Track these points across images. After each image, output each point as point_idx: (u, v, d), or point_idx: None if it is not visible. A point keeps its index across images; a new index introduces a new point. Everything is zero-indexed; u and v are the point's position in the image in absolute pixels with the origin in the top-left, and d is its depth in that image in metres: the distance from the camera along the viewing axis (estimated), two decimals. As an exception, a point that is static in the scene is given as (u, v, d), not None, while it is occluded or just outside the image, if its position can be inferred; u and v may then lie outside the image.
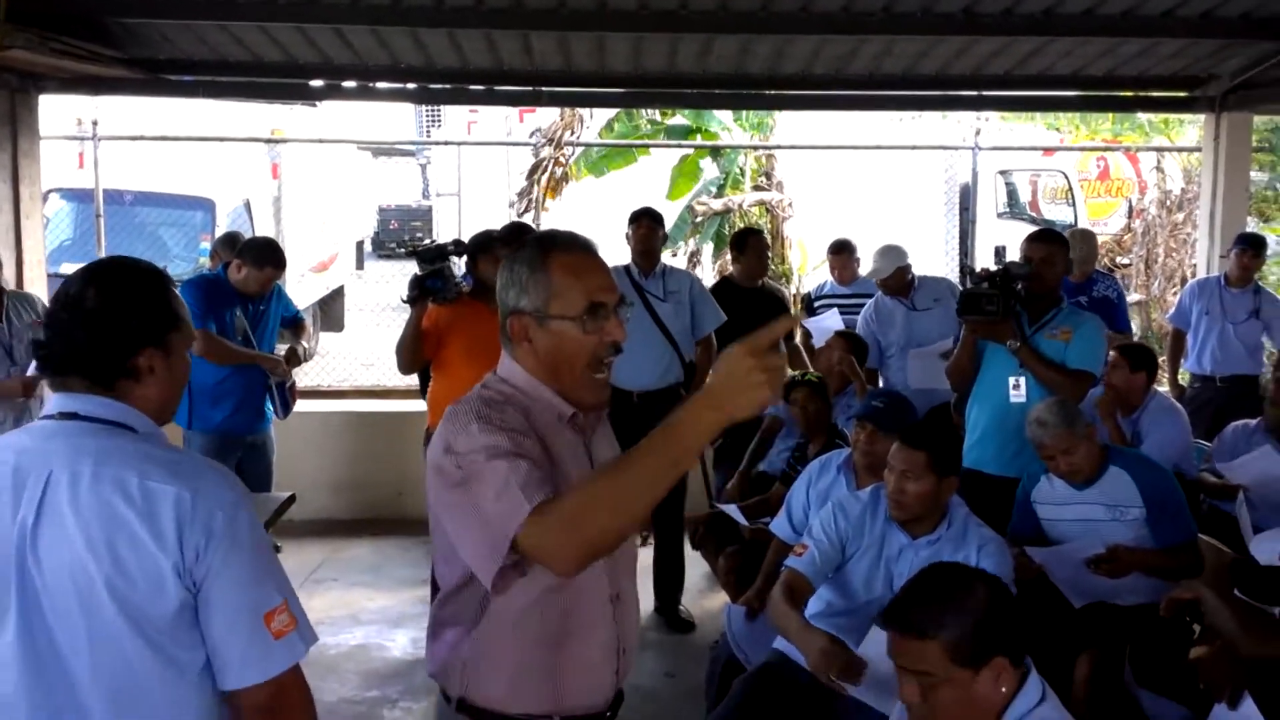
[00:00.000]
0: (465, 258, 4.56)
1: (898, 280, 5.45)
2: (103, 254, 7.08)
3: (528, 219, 8.19)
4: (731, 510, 4.31)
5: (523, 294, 1.79)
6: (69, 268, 5.31)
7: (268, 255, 4.84)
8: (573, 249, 1.82)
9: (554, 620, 1.80)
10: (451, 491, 1.73)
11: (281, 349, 5.25)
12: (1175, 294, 9.85)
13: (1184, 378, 6.37)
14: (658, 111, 9.54)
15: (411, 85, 6.45)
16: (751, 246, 5.60)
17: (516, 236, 5.09)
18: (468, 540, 1.71)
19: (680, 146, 9.94)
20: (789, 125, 10.06)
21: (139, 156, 8.22)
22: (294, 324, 5.30)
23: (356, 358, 9.19)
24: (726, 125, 9.87)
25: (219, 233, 7.89)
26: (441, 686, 1.90)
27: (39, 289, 5.87)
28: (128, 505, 1.56)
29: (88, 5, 5.12)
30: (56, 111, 7.13)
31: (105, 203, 7.11)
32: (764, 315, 5.76)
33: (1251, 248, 6.09)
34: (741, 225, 9.69)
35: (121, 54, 5.80)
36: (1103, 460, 3.57)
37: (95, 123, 6.96)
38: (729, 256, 9.65)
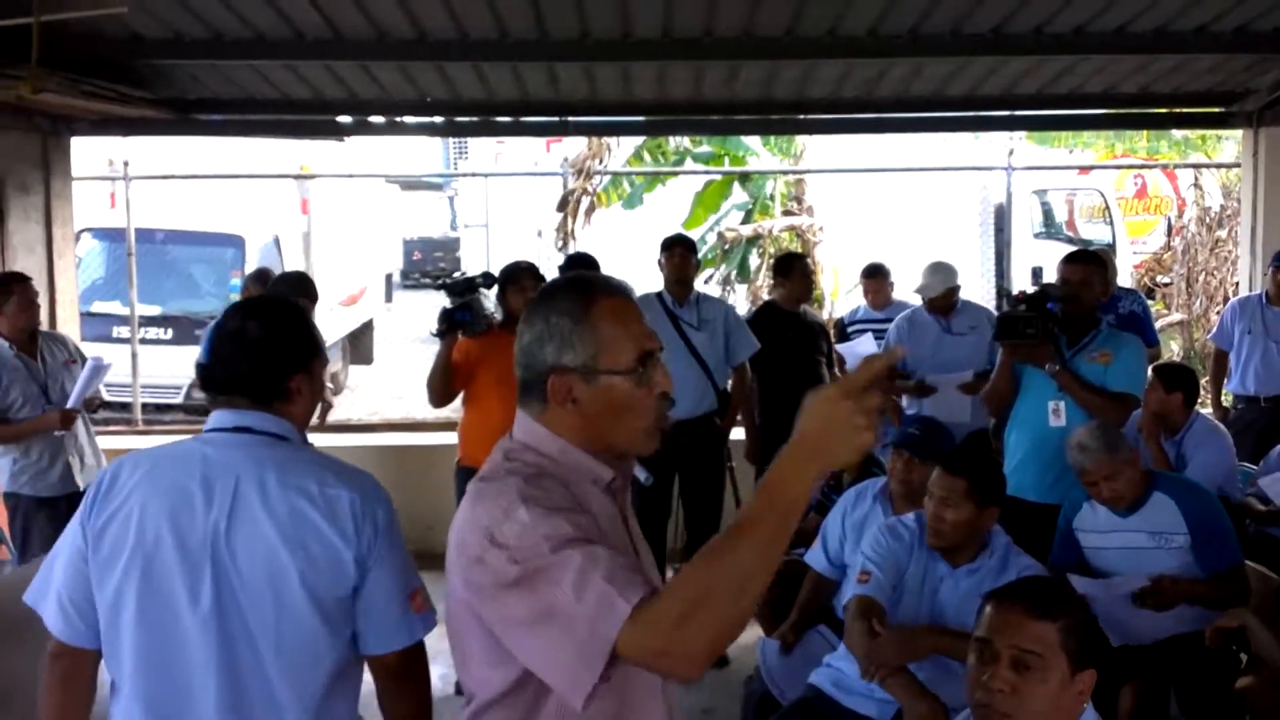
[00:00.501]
0: (495, 289, 4.53)
1: (945, 299, 5.35)
2: (134, 293, 7.16)
3: (559, 250, 8.19)
4: (764, 541, 4.21)
5: (565, 348, 1.56)
6: (101, 306, 5.39)
7: (299, 288, 4.83)
8: (615, 294, 1.61)
9: (613, 708, 1.56)
10: (507, 593, 1.44)
11: None
12: (1217, 312, 9.68)
13: (1227, 399, 6.21)
14: (687, 139, 9.55)
15: (438, 119, 6.50)
16: (797, 270, 5.56)
17: (585, 264, 5.08)
18: (542, 653, 1.44)
19: (709, 172, 9.93)
20: (818, 149, 10.02)
21: (170, 195, 8.35)
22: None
23: (386, 390, 9.21)
24: (755, 150, 9.86)
25: (249, 269, 7.95)
26: None
27: (71, 328, 5.93)
28: (313, 507, 1.88)
29: (117, 48, 5.18)
30: (89, 152, 7.24)
31: (137, 241, 7.20)
32: (803, 341, 5.67)
33: None
34: (773, 250, 9.65)
35: (151, 94, 5.88)
36: (1146, 486, 3.46)
37: (126, 163, 7.06)
38: (760, 281, 9.64)
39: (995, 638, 1.84)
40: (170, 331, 8.76)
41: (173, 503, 1.88)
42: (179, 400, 8.62)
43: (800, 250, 9.28)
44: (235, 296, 8.34)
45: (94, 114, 5.99)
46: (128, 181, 7.07)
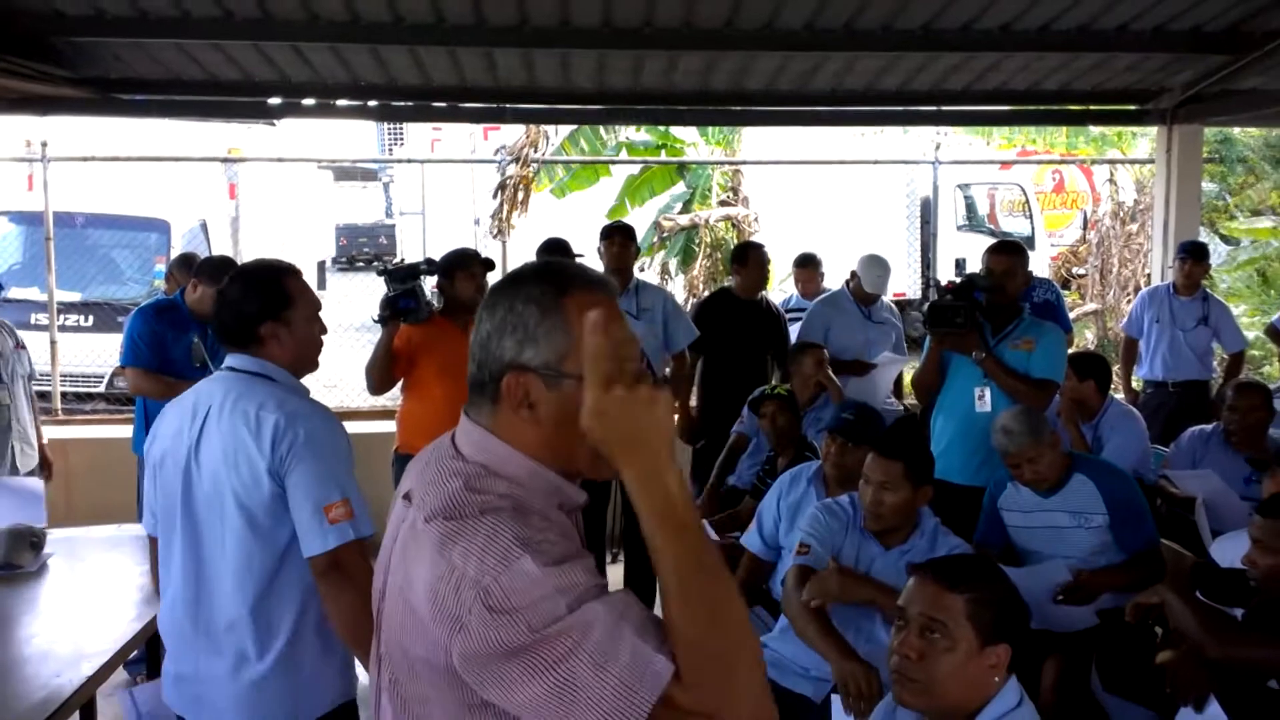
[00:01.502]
0: (436, 276, 4.49)
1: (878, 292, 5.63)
2: (53, 279, 6.95)
3: (495, 240, 8.15)
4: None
5: (528, 343, 1.32)
6: (18, 293, 5.23)
7: (224, 273, 4.71)
8: (598, 289, 1.38)
9: None
10: (510, 663, 1.22)
11: None
12: (1128, 302, 10.05)
13: (1138, 384, 6.47)
14: (624, 128, 9.56)
15: (373, 103, 6.40)
16: (752, 259, 5.63)
17: (561, 250, 5.04)
18: None
19: (645, 162, 9.96)
20: (754, 141, 10.13)
21: (91, 178, 8.09)
22: None
23: (319, 379, 9.05)
24: (693, 141, 9.91)
25: (174, 254, 7.77)
26: None
27: (-14, 313, 5.74)
28: (245, 428, 2.27)
29: (36, 24, 5.02)
30: (4, 133, 7.01)
31: (56, 225, 6.97)
32: (761, 330, 5.77)
33: (1193, 256, 6.20)
34: (709, 240, 9.73)
35: (71, 73, 5.71)
36: (1067, 468, 3.60)
37: (44, 144, 6.83)
38: (696, 271, 9.72)
39: (909, 606, 1.93)
40: (91, 319, 8.51)
41: (174, 426, 2.39)
42: (101, 389, 8.40)
43: (735, 240, 9.39)
44: (159, 283, 8.14)
45: (10, 92, 5.79)
46: (46, 163, 6.84)
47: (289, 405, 2.32)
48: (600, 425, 1.25)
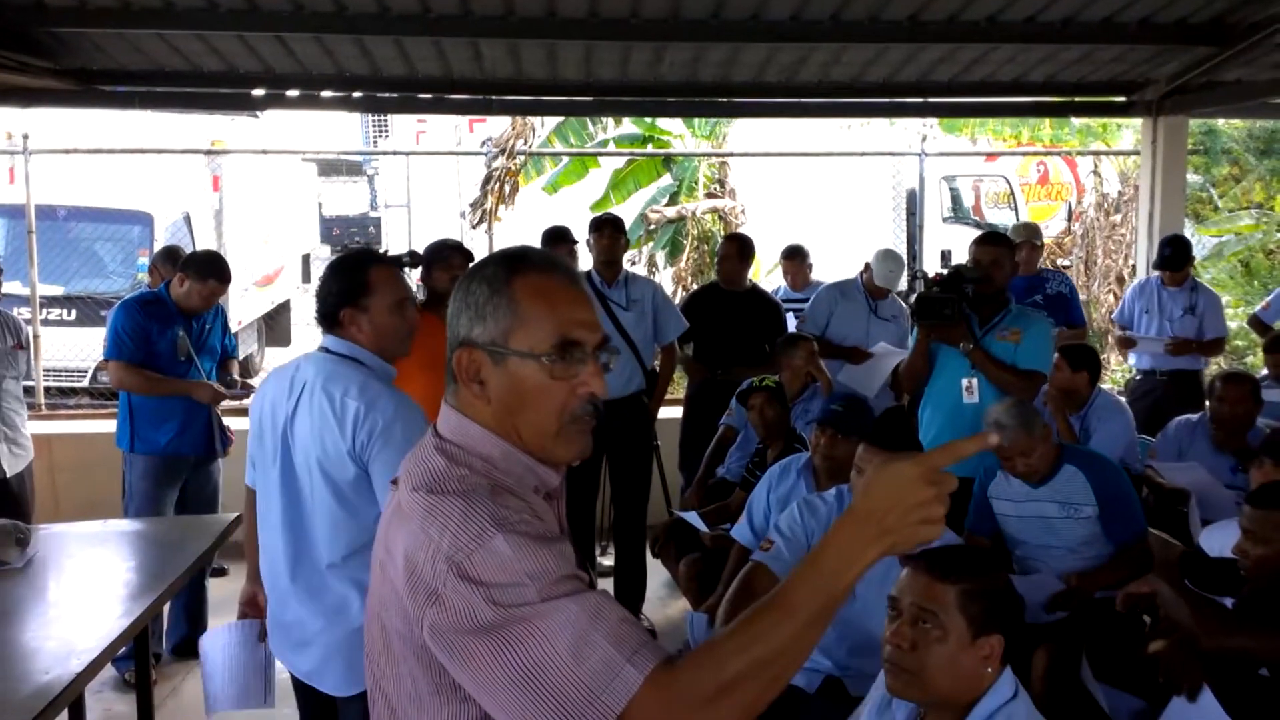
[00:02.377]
0: (419, 269, 4.45)
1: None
2: (35, 272, 6.89)
3: (481, 230, 8.12)
4: (691, 517, 4.28)
5: (477, 320, 1.37)
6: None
7: (211, 268, 4.65)
8: (549, 271, 1.40)
9: None
10: (476, 640, 1.22)
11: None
12: (1109, 292, 10.12)
13: (1127, 374, 6.51)
14: (611, 120, 9.55)
15: (358, 94, 6.36)
16: (723, 253, 5.64)
17: (561, 239, 5.14)
18: (523, 714, 1.20)
19: (632, 154, 9.94)
20: (741, 133, 10.12)
21: (73, 170, 8.02)
22: (223, 361, 4.91)
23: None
24: (679, 133, 9.90)
25: (157, 247, 7.71)
26: None
27: (-31, 308, 5.68)
28: (331, 410, 2.52)
29: (17, 14, 4.97)
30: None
31: (38, 219, 6.91)
32: (753, 320, 5.80)
33: (1169, 267, 6.14)
34: (696, 232, 9.73)
35: (53, 64, 5.65)
36: (1057, 459, 3.61)
37: (26, 136, 6.77)
38: (684, 263, 9.72)
39: (901, 596, 1.94)
40: (74, 312, 8.44)
41: (273, 396, 2.66)
42: (85, 384, 8.33)
43: (723, 232, 9.39)
44: (142, 276, 8.08)
45: (-9, 83, 5.74)
46: (27, 155, 6.78)
47: (370, 391, 2.51)
48: (887, 490, 1.19)
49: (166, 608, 4.58)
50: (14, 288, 7.15)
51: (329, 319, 2.63)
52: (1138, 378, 6.28)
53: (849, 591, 1.21)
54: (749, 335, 5.43)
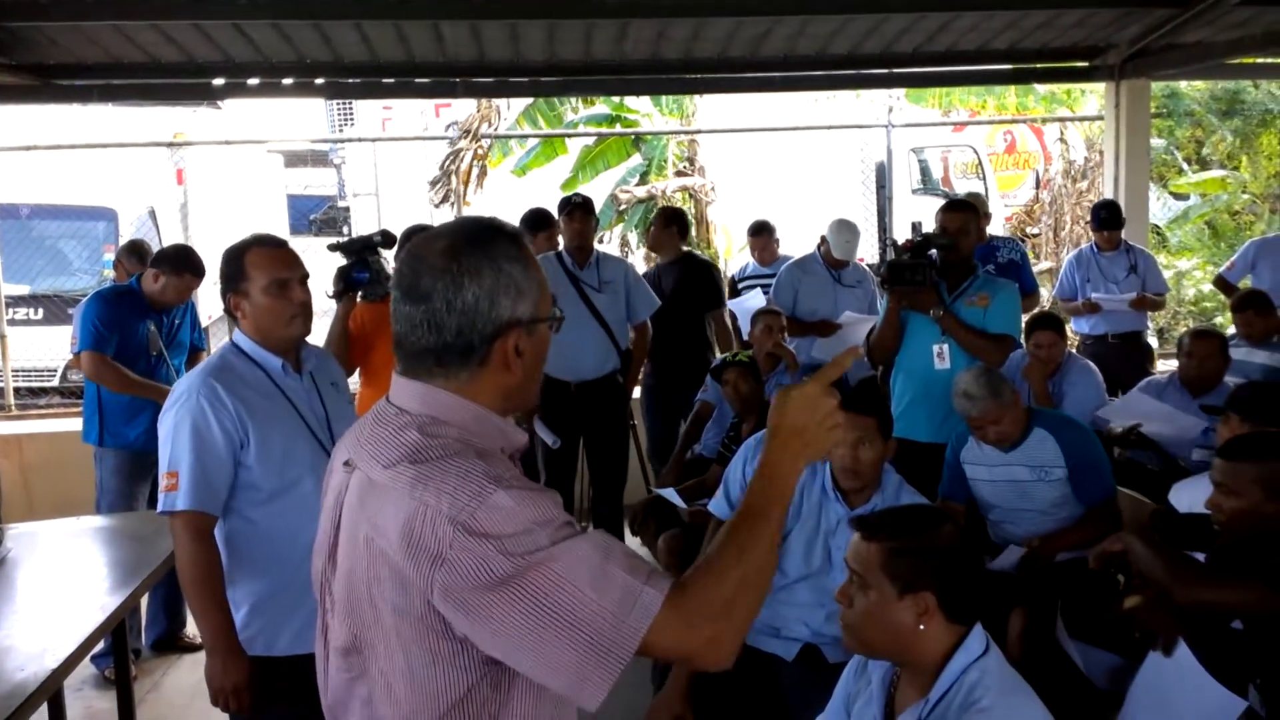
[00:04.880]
0: (395, 250, 4.37)
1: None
2: None
3: (445, 210, 8.08)
4: (669, 494, 4.29)
5: (520, 298, 1.38)
6: (-34, 287, 5.12)
7: (185, 263, 4.59)
8: (518, 236, 1.44)
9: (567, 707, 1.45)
10: (493, 594, 1.25)
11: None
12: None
13: (1075, 339, 6.58)
14: (580, 100, 9.50)
15: (319, 80, 6.30)
16: (653, 224, 5.72)
17: (543, 222, 5.14)
18: (548, 658, 1.26)
19: (600, 134, 9.90)
20: (709, 110, 10.10)
21: (34, 167, 7.91)
22: (194, 354, 4.85)
23: (274, 366, 8.91)
24: (647, 112, 9.86)
25: (122, 243, 7.62)
26: None
27: (-67, 309, 5.61)
28: None
29: (-32, 9, 4.90)
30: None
31: (0, 217, 6.82)
32: (690, 289, 5.76)
33: (1106, 226, 6.26)
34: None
35: (7, 59, 5.56)
36: (1027, 423, 3.64)
37: (-16, 134, 6.66)
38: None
39: (846, 556, 2.02)
40: (41, 311, 8.33)
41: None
42: (55, 383, 8.24)
43: (694, 210, 9.39)
44: (108, 273, 7.98)
45: (-56, 81, 5.65)
46: (-15, 153, 6.69)
47: (174, 392, 2.62)
48: (800, 408, 1.40)
49: (144, 603, 4.56)
50: (-22, 288, 7.07)
51: (225, 307, 2.62)
52: (1087, 343, 6.36)
53: (791, 495, 1.40)
54: (688, 302, 5.48)
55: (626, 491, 5.08)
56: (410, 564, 1.28)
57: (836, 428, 1.41)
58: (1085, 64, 6.94)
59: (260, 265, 2.54)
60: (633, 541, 4.87)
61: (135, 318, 4.49)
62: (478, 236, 1.41)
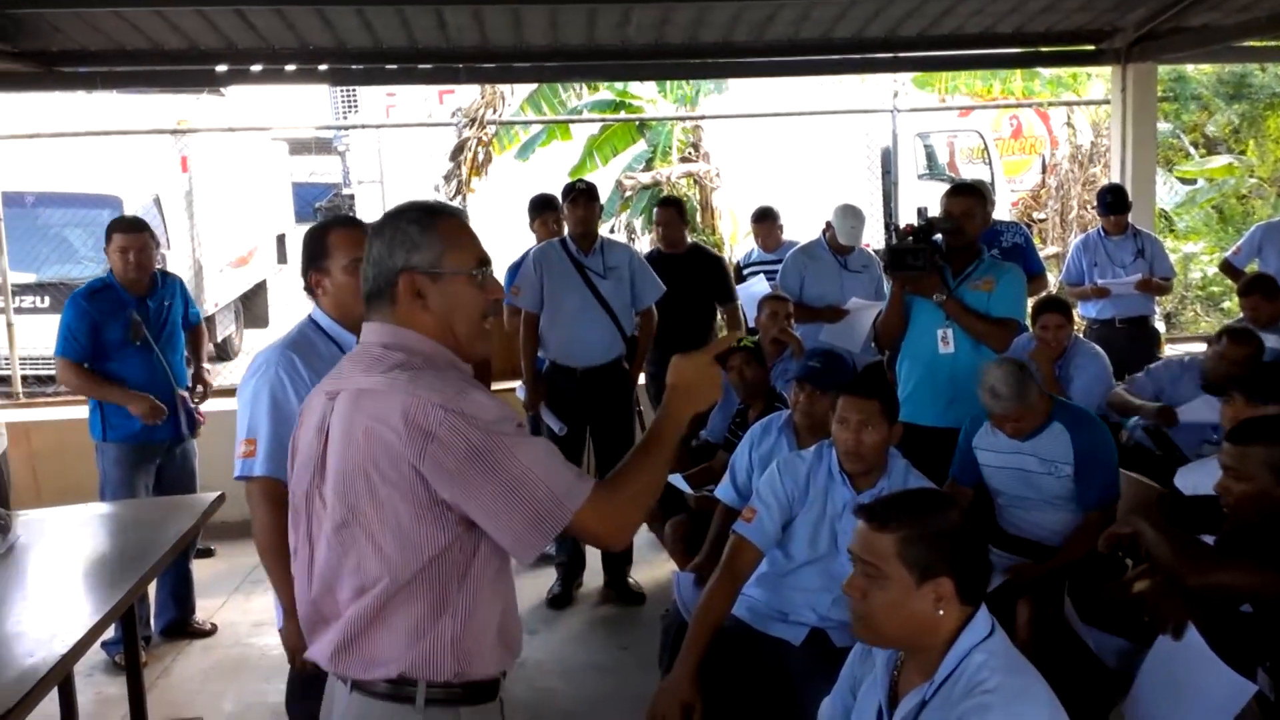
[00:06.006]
0: None
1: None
2: (5, 260, 6.79)
3: (455, 202, 8.07)
4: (676, 480, 4.29)
5: (413, 251, 1.80)
6: (-32, 275, 5.11)
7: (111, 227, 4.49)
8: (455, 213, 1.91)
9: (504, 558, 1.83)
10: (471, 464, 1.65)
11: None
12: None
13: (1082, 324, 6.57)
14: (584, 87, 9.47)
15: (323, 67, 6.28)
16: (659, 216, 5.68)
17: (549, 206, 5.26)
18: (503, 517, 1.67)
19: (604, 121, 9.87)
20: (714, 96, 10.06)
21: (38, 155, 7.89)
22: (192, 331, 4.85)
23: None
24: (653, 98, 9.83)
25: (128, 231, 7.61)
26: (396, 688, 1.75)
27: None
28: None
29: (-30, -3, 4.88)
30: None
31: (5, 206, 6.81)
32: (697, 276, 5.77)
33: (1112, 210, 6.26)
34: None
35: (10, 47, 5.55)
36: (1047, 414, 3.60)
37: (-12, 122, 6.65)
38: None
39: (852, 547, 1.97)
40: (47, 299, 8.32)
41: None
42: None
43: (699, 196, 9.36)
44: (114, 260, 7.98)
45: (-51, 70, 5.65)
46: (-10, 142, 6.69)
47: (254, 363, 2.68)
48: (692, 370, 1.88)
49: (153, 590, 4.58)
50: (-16, 276, 7.08)
51: (305, 284, 2.67)
52: (1095, 327, 6.34)
53: (681, 431, 1.88)
54: (696, 294, 5.49)
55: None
56: (407, 441, 1.66)
57: (718, 386, 1.90)
58: (1092, 48, 6.89)
59: (342, 244, 2.60)
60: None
61: (113, 311, 4.42)
62: (395, 210, 1.87)
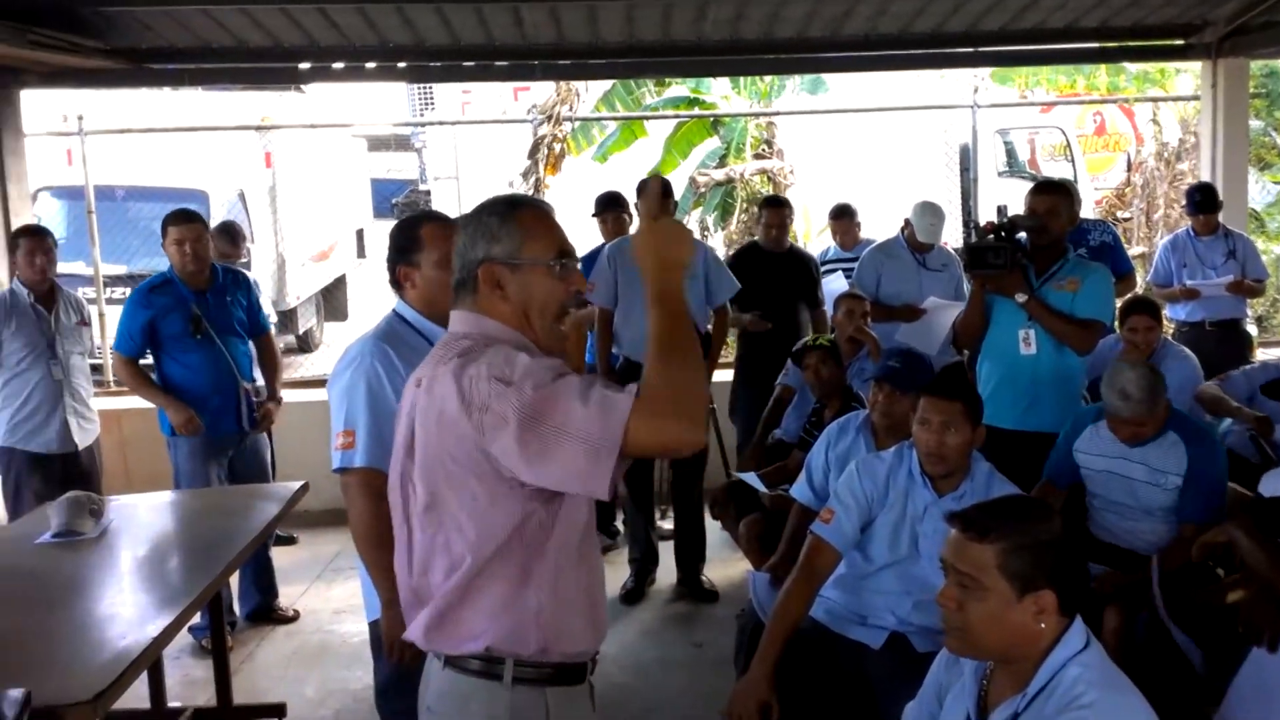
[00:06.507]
0: None
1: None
2: (97, 252, 7.02)
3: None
4: (750, 478, 4.27)
5: (494, 242, 1.83)
6: (64, 267, 5.25)
7: (166, 220, 4.56)
8: (537, 205, 1.93)
9: (587, 539, 1.86)
10: (523, 428, 1.66)
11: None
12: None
13: (1171, 326, 6.40)
14: (655, 84, 9.48)
15: (402, 64, 6.37)
16: (774, 220, 5.59)
17: (614, 204, 5.29)
18: (563, 462, 1.66)
19: (678, 117, 9.86)
20: (788, 92, 9.99)
21: (129, 151, 8.14)
22: (261, 341, 4.79)
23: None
24: (726, 94, 9.79)
25: (214, 224, 7.80)
26: (485, 665, 1.80)
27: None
28: None
29: (64, -5, 5.04)
30: (41, 108, 7.05)
31: (96, 199, 7.03)
32: (792, 280, 5.75)
33: (1202, 210, 6.08)
34: (744, 195, 9.66)
35: (103, 44, 5.72)
36: (1162, 424, 3.48)
37: (81, 117, 6.86)
38: (734, 226, 9.67)
39: (946, 556, 1.91)
40: (137, 290, 8.61)
41: None
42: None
43: (772, 193, 9.28)
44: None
45: (44, 66, 5.83)
46: (83, 137, 6.88)
47: (344, 358, 2.67)
48: (645, 247, 1.78)
49: (235, 577, 4.69)
50: (77, 268, 7.33)
51: (391, 278, 2.68)
52: (1184, 330, 6.17)
53: (681, 301, 1.76)
54: (788, 294, 5.48)
55: (706, 475, 5.08)
56: (466, 418, 1.71)
57: (681, 235, 1.81)
58: (1180, 42, 6.70)
59: (433, 239, 2.60)
60: (712, 525, 4.87)
61: (173, 305, 4.47)
62: (483, 203, 1.92)
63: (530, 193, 8.19)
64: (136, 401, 5.84)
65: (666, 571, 5.14)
